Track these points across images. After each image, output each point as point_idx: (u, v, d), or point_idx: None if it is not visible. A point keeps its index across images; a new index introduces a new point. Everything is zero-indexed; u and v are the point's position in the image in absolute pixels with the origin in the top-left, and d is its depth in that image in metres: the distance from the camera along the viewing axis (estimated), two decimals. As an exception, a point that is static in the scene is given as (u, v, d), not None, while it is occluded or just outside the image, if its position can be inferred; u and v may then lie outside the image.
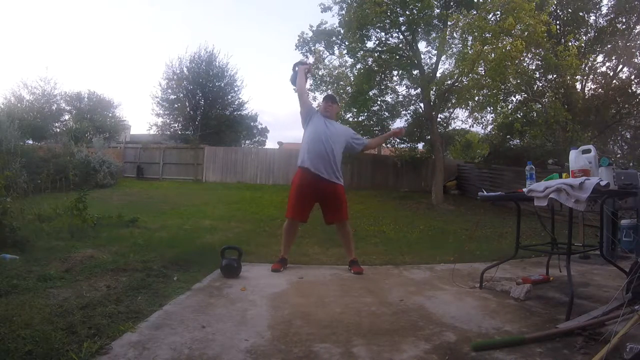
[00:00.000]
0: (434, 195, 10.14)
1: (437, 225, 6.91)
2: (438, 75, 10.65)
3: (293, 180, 3.44)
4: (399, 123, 12.60)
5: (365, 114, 11.31)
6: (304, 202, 3.33)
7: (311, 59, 10.68)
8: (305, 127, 3.46)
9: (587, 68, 11.12)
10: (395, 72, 11.56)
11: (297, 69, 3.51)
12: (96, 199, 7.19)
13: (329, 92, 11.46)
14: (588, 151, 2.48)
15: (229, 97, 18.35)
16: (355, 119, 11.29)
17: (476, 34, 8.46)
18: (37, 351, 1.52)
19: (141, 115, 60.80)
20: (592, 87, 11.76)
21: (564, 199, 2.21)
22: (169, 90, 17.67)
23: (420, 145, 12.78)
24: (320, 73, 11.18)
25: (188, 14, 47.97)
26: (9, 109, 14.24)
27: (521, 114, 11.54)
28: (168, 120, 18.16)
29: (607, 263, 2.55)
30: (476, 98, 10.09)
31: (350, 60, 11.35)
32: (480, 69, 9.12)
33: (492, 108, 10.54)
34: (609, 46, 10.85)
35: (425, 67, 10.96)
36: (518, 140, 13.16)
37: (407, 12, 9.84)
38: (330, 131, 3.36)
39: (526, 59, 10.83)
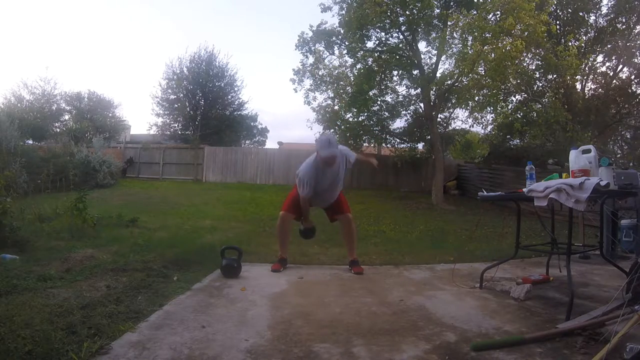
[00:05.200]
0: (434, 195, 10.14)
1: (437, 225, 6.91)
2: (438, 75, 10.66)
3: (295, 187, 3.34)
4: (399, 123, 12.64)
5: (365, 114, 11.31)
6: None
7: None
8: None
9: (587, 68, 11.10)
10: (395, 72, 11.57)
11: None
12: (96, 199, 7.18)
13: (329, 93, 11.42)
14: (588, 151, 2.48)
15: (229, 97, 18.35)
16: (355, 119, 11.31)
17: (476, 34, 8.47)
18: (37, 351, 1.52)
19: (141, 115, 60.78)
20: (592, 87, 11.76)
21: (564, 199, 2.21)
22: (169, 90, 17.66)
23: (420, 145, 12.80)
24: (320, 73, 11.19)
25: (188, 14, 47.97)
26: (9, 109, 14.20)
27: (521, 114, 11.51)
28: (168, 120, 18.17)
29: (607, 263, 2.54)
30: (476, 98, 10.09)
31: (350, 60, 11.40)
32: (480, 69, 9.12)
33: (492, 108, 10.53)
34: (609, 46, 10.82)
35: (425, 67, 10.96)
36: (518, 140, 13.15)
37: (407, 12, 9.85)
38: (332, 173, 3.21)
39: (526, 59, 10.82)
